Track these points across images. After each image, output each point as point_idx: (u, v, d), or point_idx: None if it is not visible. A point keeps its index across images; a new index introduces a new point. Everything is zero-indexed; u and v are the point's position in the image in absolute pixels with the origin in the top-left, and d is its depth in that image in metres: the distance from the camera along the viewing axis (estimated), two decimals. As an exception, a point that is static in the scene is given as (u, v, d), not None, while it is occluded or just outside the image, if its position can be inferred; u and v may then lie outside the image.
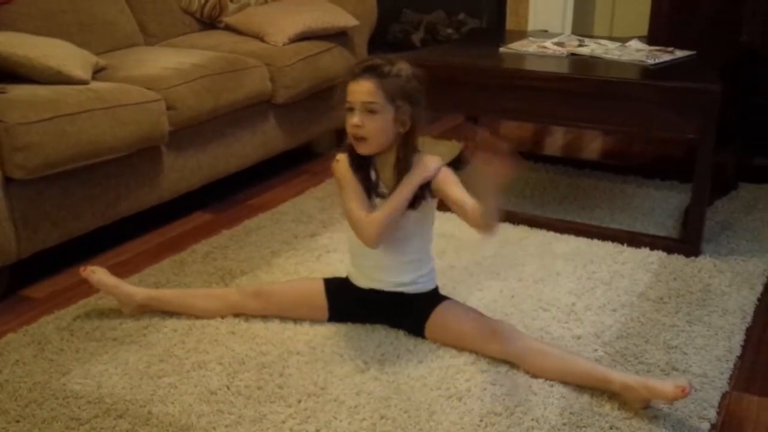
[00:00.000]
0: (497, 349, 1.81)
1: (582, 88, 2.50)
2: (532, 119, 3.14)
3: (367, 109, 1.76)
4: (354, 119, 1.77)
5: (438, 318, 1.88)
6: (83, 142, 2.21)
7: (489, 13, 4.10)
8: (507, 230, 2.57)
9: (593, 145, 3.55)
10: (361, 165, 1.87)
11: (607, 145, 3.54)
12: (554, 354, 1.76)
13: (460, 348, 1.86)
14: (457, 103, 2.78)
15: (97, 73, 2.53)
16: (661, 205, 2.80)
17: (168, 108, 2.50)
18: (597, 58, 2.71)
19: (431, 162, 1.86)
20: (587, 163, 3.26)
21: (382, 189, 1.86)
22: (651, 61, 2.61)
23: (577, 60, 2.72)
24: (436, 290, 1.96)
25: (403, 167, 1.83)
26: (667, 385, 1.60)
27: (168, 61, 2.70)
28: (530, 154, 3.41)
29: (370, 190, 1.86)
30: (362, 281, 1.94)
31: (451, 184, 1.86)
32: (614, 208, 2.76)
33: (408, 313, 1.92)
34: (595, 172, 3.13)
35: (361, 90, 1.76)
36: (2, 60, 2.28)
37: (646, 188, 2.96)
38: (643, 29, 3.50)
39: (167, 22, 3.18)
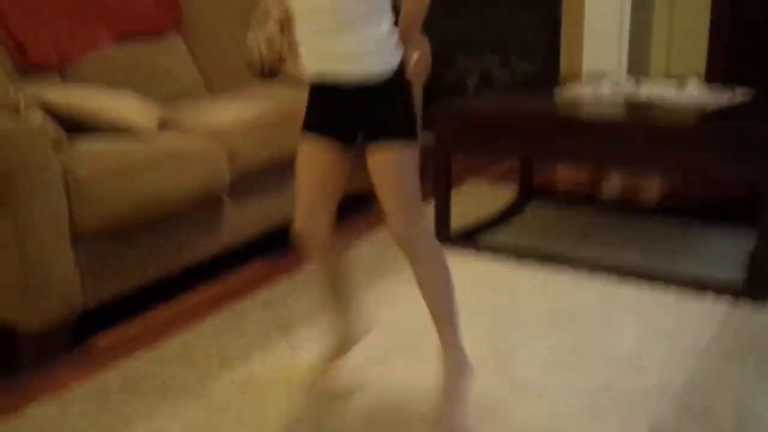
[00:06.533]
0: (395, 238, 1.67)
1: (639, 132, 2.47)
2: (588, 163, 3.11)
3: None
4: None
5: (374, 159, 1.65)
6: (148, 195, 2.27)
7: (543, 56, 4.09)
8: (565, 276, 2.54)
9: (652, 187, 3.49)
10: None
11: (667, 188, 3.48)
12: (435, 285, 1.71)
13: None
14: (512, 148, 2.78)
15: (162, 124, 2.60)
16: (725, 249, 2.73)
17: (229, 158, 2.55)
18: (654, 100, 2.68)
19: None
20: (647, 207, 3.21)
21: None
22: (709, 103, 2.57)
23: (633, 103, 2.70)
24: (392, 85, 1.62)
25: None
26: None
27: (229, 111, 2.76)
28: (588, 197, 3.38)
29: None
30: (310, 64, 1.66)
31: None
32: (676, 253, 2.71)
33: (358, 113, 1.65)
34: (655, 215, 3.08)
35: None
36: (71, 112, 2.36)
37: (708, 232, 2.90)
38: (701, 65, 3.46)
39: (229, 73, 3.27)
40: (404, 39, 1.63)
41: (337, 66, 1.60)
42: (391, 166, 1.63)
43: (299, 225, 1.77)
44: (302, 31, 1.63)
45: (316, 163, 1.71)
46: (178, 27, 3.18)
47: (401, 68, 1.63)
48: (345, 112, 1.66)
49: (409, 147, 1.64)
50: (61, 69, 2.72)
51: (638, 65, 3.89)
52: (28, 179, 2.00)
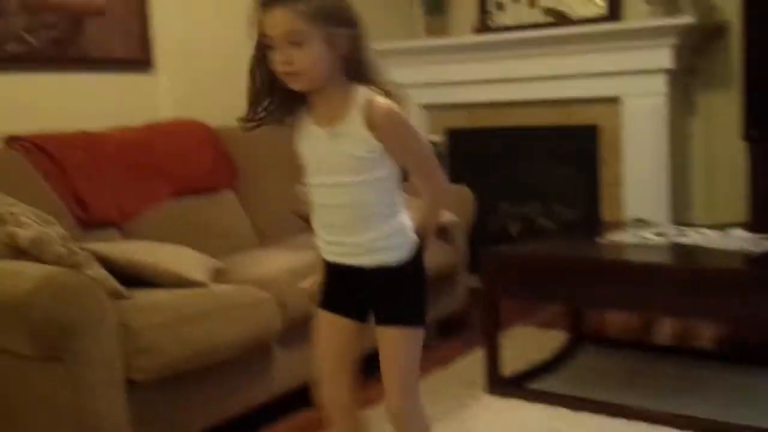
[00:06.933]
0: (389, 411, 1.74)
1: (686, 278, 2.47)
2: (635, 310, 3.10)
3: (291, 42, 1.54)
4: (279, 56, 1.56)
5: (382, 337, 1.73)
6: (201, 343, 2.31)
7: (584, 203, 4.17)
8: (620, 427, 2.47)
9: (705, 332, 3.43)
10: (293, 104, 1.67)
11: (721, 332, 3.41)
12: None
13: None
14: (558, 294, 2.79)
15: (216, 275, 2.68)
16: (786, 396, 2.65)
17: (279, 307, 2.60)
18: (700, 246, 2.69)
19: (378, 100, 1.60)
20: (700, 352, 3.15)
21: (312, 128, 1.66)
22: (756, 249, 2.57)
23: (679, 249, 2.72)
24: (407, 272, 1.71)
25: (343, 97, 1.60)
26: None
27: (280, 261, 2.84)
28: (640, 342, 3.34)
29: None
30: (328, 250, 1.74)
31: (391, 134, 1.60)
32: (734, 401, 2.62)
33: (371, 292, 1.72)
34: (710, 360, 3.01)
35: (277, 22, 1.54)
36: (129, 266, 2.45)
37: (766, 379, 2.81)
38: (744, 214, 3.49)
39: (280, 224, 3.37)
40: (421, 238, 1.72)
41: (355, 259, 1.70)
42: (397, 348, 1.72)
43: (324, 394, 1.82)
44: (320, 224, 1.72)
45: (333, 335, 1.79)
46: (233, 184, 3.33)
47: (416, 256, 1.71)
48: (359, 294, 1.74)
49: (416, 331, 1.73)
50: (120, 223, 2.85)
51: (680, 214, 3.92)
52: (86, 332, 2.03)
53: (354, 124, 1.59)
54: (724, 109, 3.90)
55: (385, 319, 1.71)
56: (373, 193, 1.64)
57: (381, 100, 1.59)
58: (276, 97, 1.64)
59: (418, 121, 4.45)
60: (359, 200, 1.63)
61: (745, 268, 2.54)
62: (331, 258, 1.74)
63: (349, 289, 1.75)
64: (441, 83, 4.38)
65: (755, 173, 3.50)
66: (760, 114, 3.52)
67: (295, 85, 1.60)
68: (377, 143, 1.59)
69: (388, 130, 1.59)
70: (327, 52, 1.56)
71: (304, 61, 1.55)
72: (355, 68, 1.60)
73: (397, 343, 1.71)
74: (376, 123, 1.58)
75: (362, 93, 1.60)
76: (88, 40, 3.17)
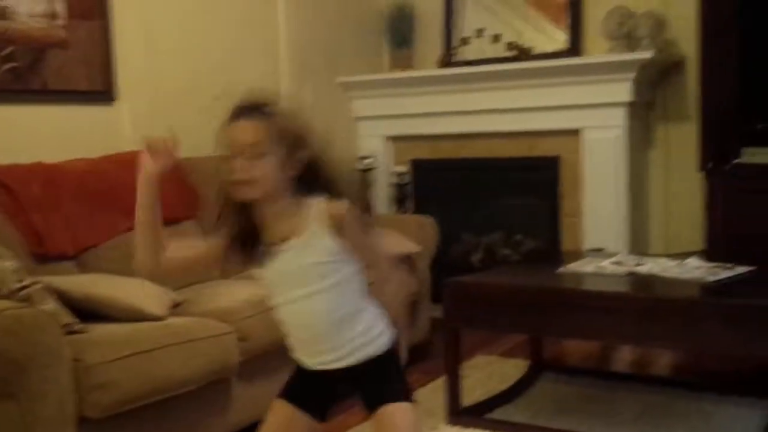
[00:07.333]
0: None
1: (642, 307, 2.50)
2: (594, 338, 3.13)
3: (253, 154, 1.59)
4: (236, 165, 1.60)
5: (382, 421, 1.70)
6: (158, 378, 2.29)
7: (545, 233, 4.21)
8: (580, 456, 2.48)
9: (663, 360, 3.47)
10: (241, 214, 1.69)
11: (678, 360, 3.46)
12: None
13: None
14: (518, 324, 2.81)
15: (175, 308, 2.66)
16: (743, 423, 2.68)
17: (239, 339, 2.59)
18: (656, 276, 2.73)
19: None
20: (658, 379, 3.18)
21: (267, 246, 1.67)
22: (711, 278, 2.62)
23: (636, 278, 2.75)
24: (387, 358, 1.74)
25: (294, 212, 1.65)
26: None
27: (240, 293, 2.82)
28: (599, 369, 3.36)
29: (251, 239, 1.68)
30: (307, 359, 1.74)
31: (348, 233, 1.65)
32: (692, 428, 2.65)
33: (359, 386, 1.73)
34: (668, 388, 3.04)
35: (244, 133, 1.60)
36: (85, 300, 2.43)
37: (724, 405, 2.85)
38: (700, 244, 3.55)
39: (241, 256, 3.36)
40: (394, 323, 1.75)
41: (340, 363, 1.70)
42: (401, 426, 1.68)
43: None
44: (297, 340, 1.74)
45: (284, 428, 1.77)
46: (195, 215, 3.32)
47: (389, 344, 1.74)
48: (328, 394, 1.77)
49: (413, 408, 1.71)
50: (77, 256, 2.82)
51: (638, 245, 3.98)
52: (39, 368, 2.01)
53: (313, 233, 1.63)
54: (681, 142, 3.98)
55: (380, 401, 1.70)
56: (342, 294, 1.67)
57: (333, 205, 1.64)
58: (240, 224, 1.68)
59: (384, 152, 4.50)
60: (331, 304, 1.66)
61: (699, 297, 2.57)
62: (303, 360, 1.75)
63: (319, 389, 1.76)
64: (406, 115, 4.43)
65: (711, 204, 3.57)
66: (716, 146, 3.60)
67: (247, 194, 1.62)
68: (337, 245, 1.64)
69: (346, 231, 1.64)
70: (280, 171, 1.62)
71: (259, 171, 1.59)
72: (308, 184, 1.65)
73: (400, 420, 1.68)
74: (334, 226, 1.63)
75: (314, 202, 1.65)
76: (49, 72, 3.16)
